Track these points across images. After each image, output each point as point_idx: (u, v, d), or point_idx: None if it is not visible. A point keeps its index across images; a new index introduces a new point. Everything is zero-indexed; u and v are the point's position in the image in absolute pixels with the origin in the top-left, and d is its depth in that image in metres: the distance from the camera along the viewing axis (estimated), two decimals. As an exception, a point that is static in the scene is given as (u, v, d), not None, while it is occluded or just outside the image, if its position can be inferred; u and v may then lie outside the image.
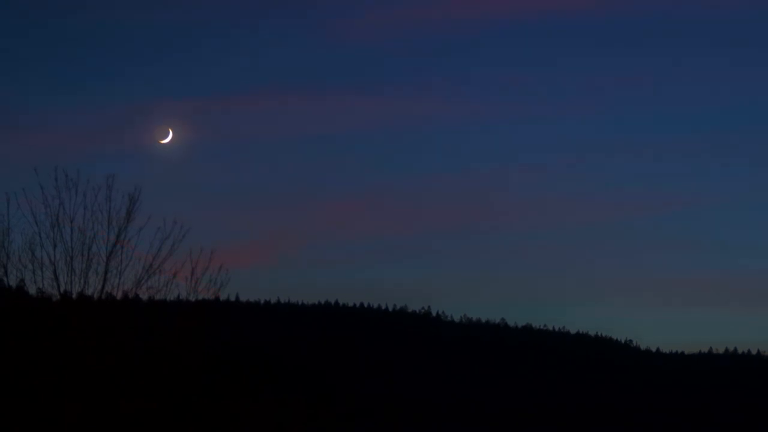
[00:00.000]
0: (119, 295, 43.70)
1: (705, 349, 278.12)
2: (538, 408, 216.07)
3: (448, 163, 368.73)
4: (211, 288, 44.43)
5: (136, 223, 43.78)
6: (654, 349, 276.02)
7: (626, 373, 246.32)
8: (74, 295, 43.20)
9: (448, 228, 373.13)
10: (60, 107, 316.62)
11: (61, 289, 43.10)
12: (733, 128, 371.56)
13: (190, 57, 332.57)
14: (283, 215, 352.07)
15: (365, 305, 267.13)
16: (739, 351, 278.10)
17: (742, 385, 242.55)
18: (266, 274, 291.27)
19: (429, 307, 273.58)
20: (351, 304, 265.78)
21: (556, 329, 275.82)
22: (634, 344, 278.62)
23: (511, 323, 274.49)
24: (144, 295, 44.11)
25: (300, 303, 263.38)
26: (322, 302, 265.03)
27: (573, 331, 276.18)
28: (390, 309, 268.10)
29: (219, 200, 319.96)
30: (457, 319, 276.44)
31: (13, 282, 43.34)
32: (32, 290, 43.43)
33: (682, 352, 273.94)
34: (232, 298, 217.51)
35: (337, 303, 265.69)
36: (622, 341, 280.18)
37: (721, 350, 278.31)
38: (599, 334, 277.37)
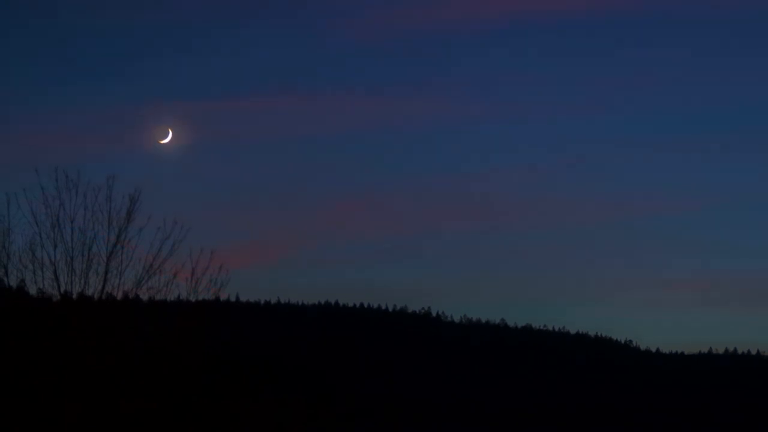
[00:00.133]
0: (119, 296, 43.75)
1: (705, 350, 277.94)
2: (538, 408, 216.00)
3: (448, 163, 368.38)
4: (211, 288, 44.54)
5: (136, 223, 43.98)
6: (654, 350, 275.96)
7: (626, 374, 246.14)
8: (74, 296, 43.23)
9: (448, 228, 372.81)
10: (60, 107, 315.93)
11: (62, 290, 43.15)
12: (733, 128, 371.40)
13: (190, 57, 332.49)
14: (283, 215, 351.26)
15: (365, 305, 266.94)
16: (739, 351, 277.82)
17: (742, 385, 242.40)
18: (266, 274, 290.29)
19: (429, 307, 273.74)
20: (351, 305, 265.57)
21: (556, 329, 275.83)
22: (634, 344, 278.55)
23: (510, 323, 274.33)
24: (144, 296, 44.23)
25: (300, 303, 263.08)
26: (322, 302, 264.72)
27: (573, 331, 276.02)
28: (390, 309, 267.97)
29: (219, 200, 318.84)
30: (457, 319, 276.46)
31: (13, 282, 43.44)
32: (33, 290, 43.53)
33: (682, 353, 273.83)
34: (232, 298, 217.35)
35: (337, 303, 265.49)
36: (622, 341, 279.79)
37: (721, 350, 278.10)
38: (599, 334, 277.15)
